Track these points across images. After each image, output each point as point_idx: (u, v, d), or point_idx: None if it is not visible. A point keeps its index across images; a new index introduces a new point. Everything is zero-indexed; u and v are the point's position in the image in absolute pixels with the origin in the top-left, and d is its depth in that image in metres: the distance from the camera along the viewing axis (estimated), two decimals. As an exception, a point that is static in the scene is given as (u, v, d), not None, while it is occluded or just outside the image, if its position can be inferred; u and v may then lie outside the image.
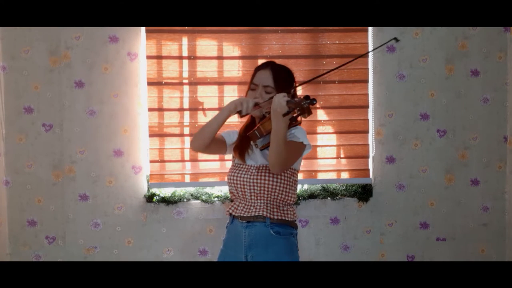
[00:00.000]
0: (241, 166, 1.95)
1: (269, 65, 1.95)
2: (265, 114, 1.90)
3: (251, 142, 1.92)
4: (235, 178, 1.93)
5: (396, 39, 2.02)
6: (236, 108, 1.88)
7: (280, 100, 1.71)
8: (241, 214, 1.91)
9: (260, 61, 2.80)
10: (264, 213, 1.88)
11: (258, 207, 1.89)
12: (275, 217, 1.89)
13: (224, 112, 1.90)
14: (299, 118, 1.85)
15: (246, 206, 1.91)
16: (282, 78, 1.93)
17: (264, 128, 1.83)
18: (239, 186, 1.92)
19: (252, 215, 1.89)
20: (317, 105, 2.84)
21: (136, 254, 2.80)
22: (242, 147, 1.96)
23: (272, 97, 1.88)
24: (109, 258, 2.79)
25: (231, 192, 1.99)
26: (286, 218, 1.91)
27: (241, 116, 1.90)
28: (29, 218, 2.78)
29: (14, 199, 2.77)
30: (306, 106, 1.67)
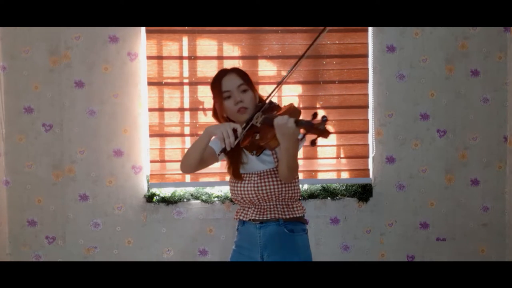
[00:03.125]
0: (241, 178, 1.93)
1: (228, 71, 1.92)
2: (256, 123, 1.81)
3: (247, 152, 1.89)
4: (238, 190, 1.92)
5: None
6: (214, 139, 1.79)
7: (288, 124, 1.62)
8: (253, 218, 1.91)
9: (261, 61, 2.81)
10: (277, 215, 1.89)
11: (269, 210, 1.90)
12: (287, 216, 1.90)
13: (204, 140, 1.82)
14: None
15: (256, 210, 1.91)
16: (246, 76, 1.92)
17: (270, 146, 1.75)
18: (245, 196, 1.91)
19: (265, 218, 1.90)
20: (317, 105, 2.85)
21: (136, 254, 2.80)
22: (236, 163, 1.91)
23: (260, 108, 1.83)
24: (109, 258, 2.79)
25: (237, 201, 1.98)
26: (297, 215, 1.92)
27: (226, 153, 1.79)
28: (29, 218, 2.78)
29: (14, 199, 2.77)
30: (323, 128, 1.59)
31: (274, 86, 2.02)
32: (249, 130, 1.83)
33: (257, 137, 1.79)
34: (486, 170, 2.89)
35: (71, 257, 2.79)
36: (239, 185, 1.93)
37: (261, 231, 1.90)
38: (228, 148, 1.75)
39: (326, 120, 1.59)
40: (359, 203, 2.86)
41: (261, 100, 1.93)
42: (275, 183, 1.88)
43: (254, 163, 1.91)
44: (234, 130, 1.75)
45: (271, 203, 1.90)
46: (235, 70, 1.93)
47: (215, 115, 1.96)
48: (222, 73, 1.92)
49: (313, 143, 1.61)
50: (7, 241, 2.78)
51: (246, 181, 1.91)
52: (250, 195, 1.90)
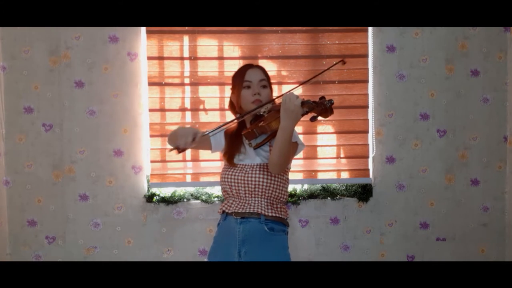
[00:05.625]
0: (234, 165, 1.97)
1: (254, 65, 2.03)
2: (263, 113, 1.89)
3: (246, 141, 1.93)
4: (229, 177, 1.95)
5: (343, 61, 1.99)
6: (175, 143, 1.81)
7: (295, 101, 1.74)
8: (236, 210, 1.93)
9: (261, 61, 2.81)
10: (259, 210, 1.91)
11: (252, 205, 1.92)
12: (270, 214, 1.91)
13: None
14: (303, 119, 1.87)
15: (240, 203, 1.94)
16: (268, 75, 2.02)
17: (270, 126, 1.83)
18: (233, 184, 1.94)
19: (247, 211, 1.91)
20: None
21: (136, 254, 2.80)
22: (232, 150, 1.98)
23: (273, 100, 1.92)
24: (109, 258, 2.79)
25: (224, 191, 2.01)
26: (280, 215, 1.94)
27: (178, 152, 1.82)
28: (29, 218, 2.78)
29: (14, 199, 2.78)
30: (329, 106, 1.73)
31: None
32: (254, 121, 1.92)
33: (261, 123, 1.86)
34: (486, 170, 2.89)
35: (71, 257, 2.79)
36: (230, 172, 1.95)
37: (241, 227, 1.91)
38: (182, 146, 1.78)
39: (333, 103, 1.75)
40: (359, 203, 2.86)
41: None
42: (264, 178, 1.91)
43: (250, 155, 1.95)
44: (194, 135, 1.78)
45: (256, 198, 1.92)
46: (260, 67, 2.03)
47: (231, 106, 2.06)
48: (248, 66, 2.02)
49: (313, 119, 1.77)
50: (7, 241, 2.78)
51: (238, 170, 1.94)
52: (239, 185, 1.92)
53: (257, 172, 1.91)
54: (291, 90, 1.88)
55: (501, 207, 2.90)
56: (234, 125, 2.02)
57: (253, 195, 1.92)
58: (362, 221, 2.87)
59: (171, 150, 1.85)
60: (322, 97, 1.77)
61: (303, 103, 1.75)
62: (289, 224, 2.00)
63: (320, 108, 1.74)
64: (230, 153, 1.98)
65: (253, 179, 1.91)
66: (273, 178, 1.92)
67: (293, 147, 1.92)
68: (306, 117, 1.82)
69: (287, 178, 1.99)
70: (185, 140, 1.78)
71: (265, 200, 1.92)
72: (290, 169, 2.04)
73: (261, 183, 1.90)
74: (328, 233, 2.86)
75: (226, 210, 1.97)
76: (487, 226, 2.91)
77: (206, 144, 2.04)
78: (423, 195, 2.88)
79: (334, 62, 2.01)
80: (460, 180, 2.88)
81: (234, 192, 1.95)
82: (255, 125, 1.88)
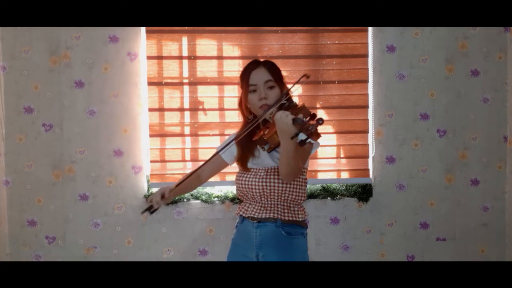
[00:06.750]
0: (248, 170, 1.94)
1: (260, 63, 1.91)
2: (269, 119, 1.84)
3: (258, 146, 1.90)
4: (244, 182, 1.92)
5: (306, 76, 1.84)
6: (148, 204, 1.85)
7: (286, 120, 1.62)
8: (252, 215, 1.91)
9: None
10: (275, 214, 1.88)
11: (269, 209, 1.89)
12: (286, 218, 1.88)
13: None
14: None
15: (256, 207, 1.91)
16: (277, 71, 1.91)
17: (272, 141, 1.77)
18: (248, 189, 1.91)
19: (263, 216, 1.89)
20: (317, 105, 2.85)
21: (136, 254, 2.80)
22: (245, 155, 1.94)
23: (278, 102, 1.84)
24: (109, 258, 2.79)
25: (240, 195, 1.99)
26: (297, 219, 1.90)
27: (151, 213, 1.84)
28: (29, 218, 2.78)
29: (14, 199, 2.78)
30: (313, 130, 1.58)
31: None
32: (263, 124, 1.86)
33: (266, 131, 1.80)
34: (486, 170, 2.89)
35: (71, 257, 2.79)
36: (244, 177, 1.92)
37: (258, 231, 1.89)
38: (155, 205, 1.83)
39: (321, 123, 1.59)
40: (359, 203, 2.86)
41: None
42: (280, 182, 1.87)
43: (264, 158, 1.91)
44: (163, 195, 1.84)
45: (273, 202, 1.89)
46: (266, 65, 1.90)
47: (240, 105, 1.96)
48: (253, 66, 1.90)
49: (301, 143, 1.60)
50: (7, 241, 2.78)
51: (252, 175, 1.90)
52: (254, 190, 1.89)
53: (272, 176, 1.87)
54: (277, 103, 1.82)
55: (501, 207, 2.90)
56: (242, 128, 1.96)
57: (269, 199, 1.88)
58: (362, 221, 2.87)
59: (143, 211, 1.87)
60: (313, 115, 1.63)
61: (294, 121, 1.62)
62: (307, 225, 1.95)
63: (307, 131, 1.59)
64: (244, 158, 1.93)
65: (268, 183, 1.87)
66: None
67: (308, 147, 1.86)
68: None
69: (304, 179, 1.93)
70: (155, 199, 1.82)
71: (282, 204, 1.89)
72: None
73: (276, 187, 1.86)
74: (328, 233, 2.86)
75: (243, 215, 1.95)
76: (487, 226, 2.91)
77: (221, 165, 2.03)
78: (423, 195, 2.88)
79: (299, 78, 1.89)
80: (460, 180, 2.88)
81: (250, 197, 1.92)
82: (263, 134, 1.82)
